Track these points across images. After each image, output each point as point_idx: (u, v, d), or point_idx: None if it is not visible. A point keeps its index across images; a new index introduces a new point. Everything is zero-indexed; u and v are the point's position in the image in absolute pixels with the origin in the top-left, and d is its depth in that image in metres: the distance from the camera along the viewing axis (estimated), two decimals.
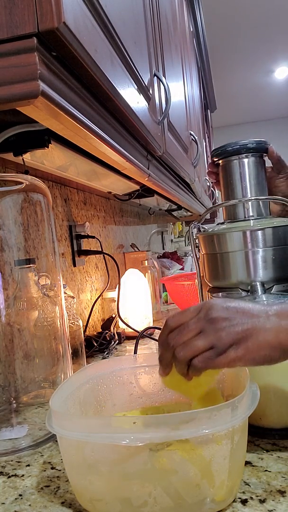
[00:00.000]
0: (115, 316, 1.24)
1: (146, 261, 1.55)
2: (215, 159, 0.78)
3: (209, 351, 0.44)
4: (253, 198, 0.73)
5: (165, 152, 0.97)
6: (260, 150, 0.75)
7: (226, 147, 0.74)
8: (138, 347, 1.00)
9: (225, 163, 0.76)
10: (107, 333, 1.16)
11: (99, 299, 1.32)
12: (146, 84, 0.79)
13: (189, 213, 2.48)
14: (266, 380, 0.55)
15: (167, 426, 0.40)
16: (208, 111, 3.23)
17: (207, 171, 0.86)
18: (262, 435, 0.57)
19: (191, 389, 0.49)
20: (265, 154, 0.76)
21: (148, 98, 0.82)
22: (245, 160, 0.74)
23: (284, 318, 0.45)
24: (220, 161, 0.76)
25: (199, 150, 1.60)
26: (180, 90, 1.38)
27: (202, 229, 0.78)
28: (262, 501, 0.44)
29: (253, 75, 4.23)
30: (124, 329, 1.23)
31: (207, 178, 2.42)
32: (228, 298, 0.50)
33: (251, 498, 0.45)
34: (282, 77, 4.36)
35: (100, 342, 1.11)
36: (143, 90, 0.78)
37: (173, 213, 2.31)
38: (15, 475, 0.54)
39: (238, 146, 0.73)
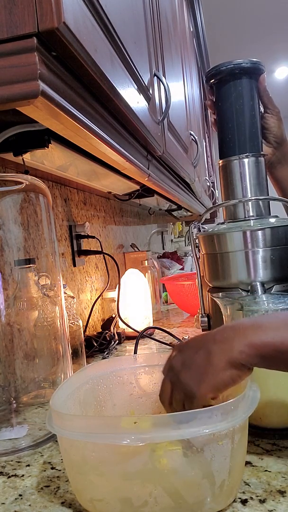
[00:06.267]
0: (115, 316, 1.24)
1: (146, 261, 1.55)
2: (211, 81, 0.73)
3: (186, 401, 0.46)
4: (253, 198, 0.73)
5: (165, 152, 0.97)
6: (255, 72, 0.71)
7: (220, 66, 0.70)
8: (138, 347, 1.00)
9: (225, 163, 0.76)
10: (107, 333, 1.16)
11: (99, 299, 1.32)
12: (146, 84, 0.79)
13: (189, 213, 2.48)
14: (266, 380, 0.55)
15: (168, 426, 0.40)
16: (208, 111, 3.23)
17: (207, 101, 0.81)
18: (262, 435, 0.57)
19: None
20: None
21: (148, 98, 0.82)
22: (245, 160, 0.74)
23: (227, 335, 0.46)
24: (215, 115, 0.73)
25: (199, 150, 1.60)
26: (180, 90, 1.38)
27: (202, 229, 0.78)
28: (262, 501, 0.44)
29: None
30: (124, 329, 1.23)
31: (207, 178, 2.42)
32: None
33: (251, 498, 0.45)
34: (282, 77, 4.36)
35: (100, 342, 1.11)
36: (143, 90, 0.78)
37: (173, 213, 2.31)
38: (15, 475, 0.54)
39: (232, 65, 0.70)
